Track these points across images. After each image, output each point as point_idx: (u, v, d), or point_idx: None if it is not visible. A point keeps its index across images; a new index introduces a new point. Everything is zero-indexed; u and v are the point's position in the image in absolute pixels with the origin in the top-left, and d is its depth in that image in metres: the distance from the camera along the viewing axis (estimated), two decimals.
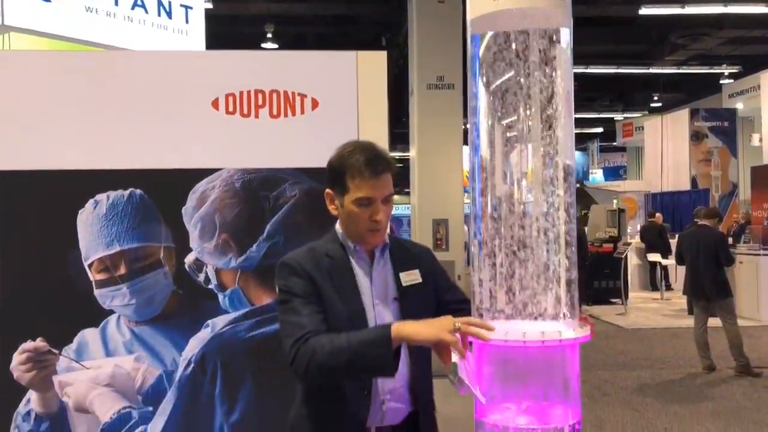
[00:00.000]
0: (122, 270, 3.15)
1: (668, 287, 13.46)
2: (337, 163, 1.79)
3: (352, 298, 1.78)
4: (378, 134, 3.50)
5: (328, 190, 1.84)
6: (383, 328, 1.64)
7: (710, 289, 6.81)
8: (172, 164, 3.16)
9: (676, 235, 14.30)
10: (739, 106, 18.92)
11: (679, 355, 7.79)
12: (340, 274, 1.79)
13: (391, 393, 1.78)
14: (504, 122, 1.67)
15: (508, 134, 1.66)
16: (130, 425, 3.16)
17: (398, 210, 25.12)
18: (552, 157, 1.63)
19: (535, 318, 1.61)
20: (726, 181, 19.30)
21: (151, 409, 3.16)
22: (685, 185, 19.06)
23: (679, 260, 7.31)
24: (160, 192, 3.15)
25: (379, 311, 1.80)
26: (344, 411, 1.76)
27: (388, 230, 1.88)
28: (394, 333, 1.60)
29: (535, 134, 1.63)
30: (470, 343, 1.61)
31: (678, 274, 13.40)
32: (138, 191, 3.15)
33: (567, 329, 1.57)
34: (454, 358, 1.58)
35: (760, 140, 17.67)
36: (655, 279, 13.73)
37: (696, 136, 19.31)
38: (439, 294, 1.95)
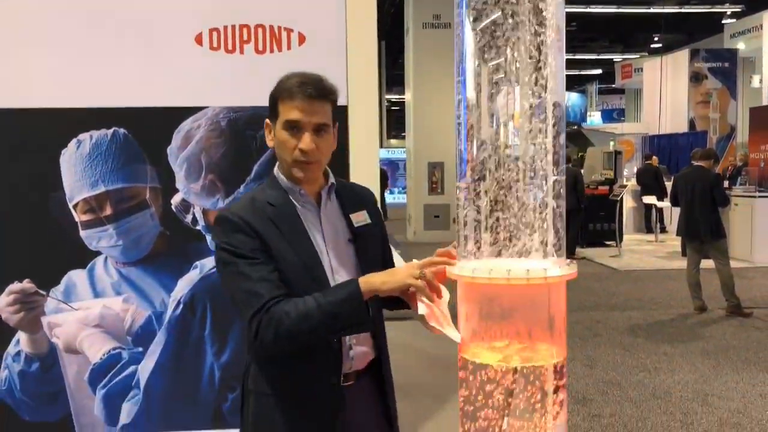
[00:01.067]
0: (108, 211, 3.11)
1: (663, 230, 13.50)
2: (274, 90, 1.70)
3: (304, 246, 1.68)
4: (367, 71, 3.41)
5: (266, 121, 1.73)
6: (351, 284, 1.59)
7: (704, 230, 6.81)
8: (156, 102, 3.08)
9: (672, 177, 14.35)
10: (741, 46, 18.64)
11: (671, 296, 7.85)
12: (286, 221, 1.67)
13: (356, 337, 1.74)
14: (491, 62, 1.59)
15: (495, 75, 1.59)
16: (121, 365, 3.17)
17: (394, 153, 24.98)
18: (540, 95, 1.57)
19: (520, 256, 1.57)
20: (724, 123, 19.19)
21: (141, 349, 3.16)
22: (683, 128, 18.94)
23: (674, 201, 7.29)
24: (145, 131, 3.08)
25: (334, 256, 1.73)
26: (314, 362, 1.69)
27: (330, 173, 1.79)
28: (363, 286, 1.56)
29: (523, 73, 1.57)
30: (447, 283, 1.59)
31: (673, 217, 13.44)
32: (122, 130, 3.07)
33: (553, 267, 1.53)
34: (422, 309, 1.56)
35: (761, 81, 17.48)
36: (650, 221, 13.76)
37: (695, 78, 19.11)
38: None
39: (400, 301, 1.77)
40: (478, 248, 1.59)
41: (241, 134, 3.21)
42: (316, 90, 1.65)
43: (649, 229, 13.76)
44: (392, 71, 23.90)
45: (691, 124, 19.29)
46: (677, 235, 7.54)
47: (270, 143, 1.73)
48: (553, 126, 1.59)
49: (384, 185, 19.43)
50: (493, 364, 1.54)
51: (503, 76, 1.59)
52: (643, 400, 4.50)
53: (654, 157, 13.89)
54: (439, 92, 13.50)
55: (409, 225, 14.26)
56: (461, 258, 1.63)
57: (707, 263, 7.03)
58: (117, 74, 3.04)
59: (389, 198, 19.69)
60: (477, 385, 1.56)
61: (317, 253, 1.70)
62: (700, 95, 19.02)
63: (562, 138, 1.62)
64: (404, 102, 17.35)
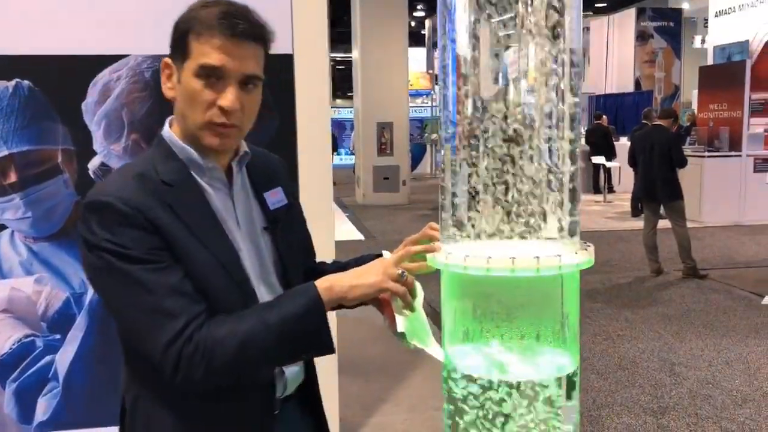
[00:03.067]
0: (12, 177, 2.64)
1: (611, 190, 13.47)
2: (183, 19, 1.25)
3: (218, 238, 1.25)
4: (315, 20, 2.99)
5: (165, 60, 1.27)
6: (307, 294, 1.19)
7: (662, 191, 6.64)
8: (66, 49, 2.60)
9: (622, 138, 14.32)
10: (685, 6, 18.64)
11: (626, 258, 7.72)
12: (190, 207, 1.24)
13: None
14: (497, 18, 1.22)
15: (503, 30, 1.22)
16: (34, 355, 2.73)
17: (340, 114, 24.39)
18: (557, 54, 1.21)
19: (523, 237, 1.23)
20: (669, 82, 19.27)
21: (58, 337, 2.73)
22: (629, 87, 18.94)
23: (632, 162, 7.09)
24: (54, 83, 2.60)
25: (251, 251, 1.33)
26: (241, 398, 1.27)
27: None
28: (324, 295, 1.18)
29: (539, 24, 1.20)
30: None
31: (622, 177, 13.43)
32: (25, 82, 2.59)
33: (568, 252, 1.19)
34: (401, 324, 1.20)
35: (702, 42, 17.55)
36: (598, 182, 13.72)
37: (641, 37, 19.06)
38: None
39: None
40: (473, 227, 1.23)
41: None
42: (248, 27, 1.22)
43: (597, 190, 13.71)
44: (336, 29, 23.21)
45: (637, 83, 19.32)
46: (634, 196, 7.37)
47: (169, 93, 1.28)
48: (571, 81, 1.24)
49: (333, 149, 18.93)
50: (490, 377, 1.21)
51: (513, 30, 1.21)
52: (610, 372, 4.29)
53: (603, 117, 13.79)
54: (388, 50, 13.03)
55: (358, 187, 13.88)
56: (447, 240, 1.28)
57: (661, 224, 6.89)
58: (18, 15, 2.55)
59: (336, 159, 19.17)
60: (468, 403, 1.22)
61: (235, 250, 1.29)
62: (646, 54, 19.00)
63: (579, 95, 1.26)
64: (349, 61, 16.81)
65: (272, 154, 1.53)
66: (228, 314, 1.19)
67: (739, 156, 10.25)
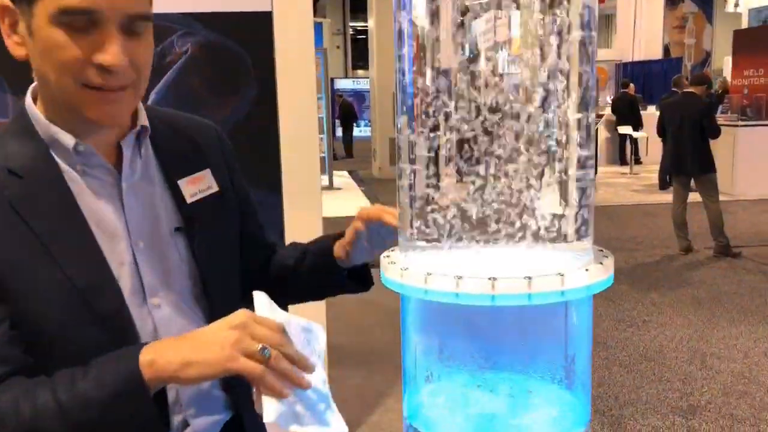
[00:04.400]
0: None
1: (638, 161, 12.94)
2: None
3: (80, 253, 0.92)
4: None
5: (4, 3, 0.92)
6: (127, 366, 0.82)
7: (692, 163, 6.19)
8: None
9: (649, 107, 13.72)
10: None
11: (653, 235, 7.29)
12: (45, 208, 0.92)
13: (197, 403, 1.03)
14: None
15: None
16: None
17: (360, 84, 23.89)
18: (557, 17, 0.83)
19: (517, 241, 0.86)
20: (699, 49, 18.54)
21: None
22: (657, 54, 18.24)
23: (661, 132, 6.62)
24: None
25: (147, 260, 0.99)
26: None
27: (139, 106, 1.02)
28: (147, 372, 0.82)
29: None
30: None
31: (649, 148, 12.88)
32: None
33: (575, 268, 0.83)
34: (269, 413, 0.82)
35: (736, 5, 16.76)
36: (625, 153, 13.19)
37: (671, 1, 18.32)
38: (241, 218, 1.18)
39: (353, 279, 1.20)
40: (443, 227, 0.87)
41: None
42: None
43: (623, 161, 13.19)
44: None
45: (666, 50, 18.62)
46: (662, 169, 6.91)
47: (18, 50, 0.93)
48: (582, 48, 0.86)
49: (352, 118, 18.49)
50: None
51: None
52: (634, 363, 3.92)
53: (631, 85, 13.19)
54: None
55: (374, 160, 13.50)
56: (405, 247, 0.92)
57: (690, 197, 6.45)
58: None
59: (355, 131, 18.73)
60: None
61: (108, 269, 0.94)
62: (675, 19, 18.30)
63: (592, 65, 0.89)
64: (366, 29, 16.32)
65: (204, 120, 1.18)
66: (63, 369, 0.85)
67: None
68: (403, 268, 0.86)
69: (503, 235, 0.85)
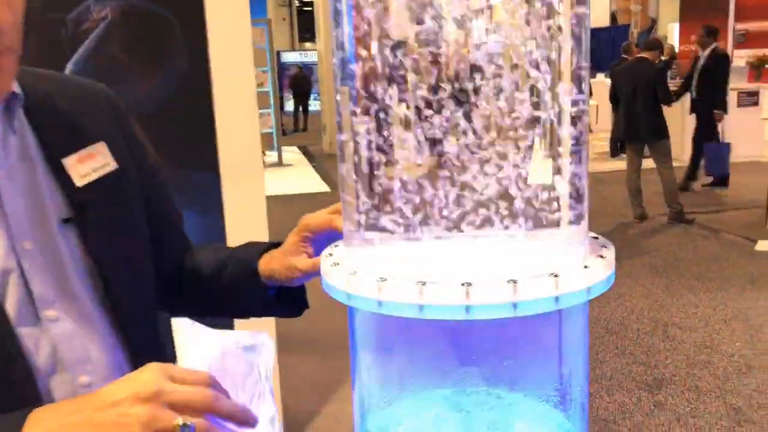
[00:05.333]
0: None
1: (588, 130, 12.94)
2: None
3: None
4: None
5: None
6: None
7: (646, 129, 6.13)
8: None
9: (598, 74, 13.72)
10: None
11: (607, 202, 7.25)
12: None
13: None
14: None
15: None
16: None
17: (306, 57, 23.40)
18: None
19: (496, 228, 0.68)
20: (645, 16, 18.66)
21: None
22: (605, 22, 18.28)
23: (613, 99, 6.54)
24: None
25: (34, 267, 0.78)
26: None
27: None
28: None
29: None
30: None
31: (599, 116, 12.88)
32: None
33: (570, 261, 0.65)
34: None
35: None
36: None
37: None
38: (151, 201, 0.96)
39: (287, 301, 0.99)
40: (397, 223, 0.67)
41: (43, 19, 2.18)
42: None
43: None
44: None
45: (613, 17, 18.69)
46: (613, 136, 6.85)
47: None
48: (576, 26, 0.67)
49: (307, 91, 18.06)
50: None
51: None
52: (596, 337, 3.83)
53: None
54: None
55: (324, 135, 13.23)
56: (353, 242, 0.72)
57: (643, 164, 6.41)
58: None
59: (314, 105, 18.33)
60: None
61: None
62: None
63: (585, 41, 0.70)
64: (313, 2, 15.93)
65: (90, 81, 0.96)
66: None
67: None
68: (351, 272, 0.67)
69: (477, 221, 0.66)
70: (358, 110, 0.67)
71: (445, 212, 0.66)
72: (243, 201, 2.56)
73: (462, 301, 0.61)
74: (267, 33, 9.91)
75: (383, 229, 0.68)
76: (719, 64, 7.27)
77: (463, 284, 0.61)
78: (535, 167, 0.67)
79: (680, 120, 9.61)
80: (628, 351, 3.62)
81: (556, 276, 0.63)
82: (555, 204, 0.67)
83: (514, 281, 0.61)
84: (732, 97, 9.69)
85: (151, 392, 0.63)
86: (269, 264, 0.94)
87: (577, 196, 0.70)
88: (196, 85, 2.34)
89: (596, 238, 0.75)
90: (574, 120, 0.68)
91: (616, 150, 9.63)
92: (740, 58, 10.18)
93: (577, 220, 0.71)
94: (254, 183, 2.53)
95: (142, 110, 2.31)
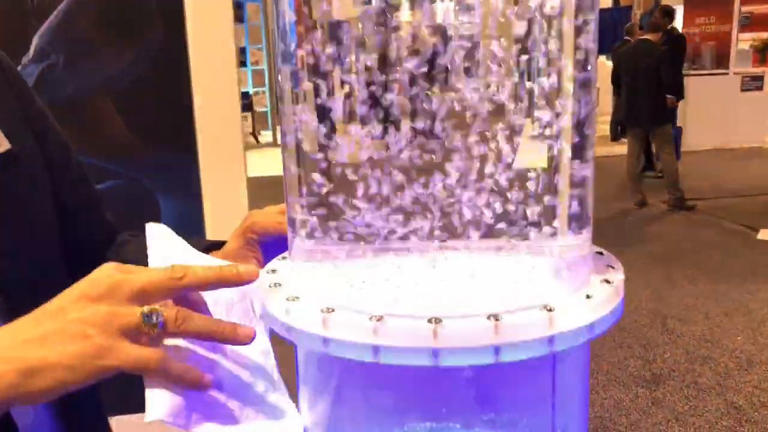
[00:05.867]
0: None
1: None
2: None
3: None
4: None
5: None
6: None
7: (648, 114, 5.97)
8: None
9: (600, 56, 13.51)
10: None
11: (605, 188, 7.10)
12: None
13: None
14: None
15: None
16: None
17: None
18: None
19: (473, 237, 0.54)
20: None
21: None
22: (607, 3, 18.01)
23: (616, 82, 6.38)
24: None
25: None
26: None
27: None
28: None
29: None
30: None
31: (599, 99, 12.70)
32: None
33: (567, 287, 0.51)
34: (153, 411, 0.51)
35: None
36: None
37: None
38: (59, 182, 0.81)
39: None
40: (355, 235, 0.54)
41: None
42: None
43: None
44: None
45: None
46: (614, 119, 6.69)
47: None
48: None
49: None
50: None
51: None
52: None
53: None
54: None
55: None
56: (300, 256, 0.59)
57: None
58: None
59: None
60: None
61: None
62: None
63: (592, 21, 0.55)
64: None
65: None
66: None
67: (726, 74, 9.56)
68: (291, 297, 0.53)
69: (447, 231, 0.52)
70: (302, 92, 0.53)
71: (406, 219, 0.52)
72: (222, 184, 2.42)
73: (428, 343, 0.47)
74: (262, 10, 9.70)
75: (334, 241, 0.54)
76: (675, 47, 6.97)
77: (430, 320, 0.47)
78: (524, 148, 0.53)
79: (682, 104, 9.45)
80: (626, 344, 3.51)
81: (549, 310, 0.49)
82: (549, 204, 0.54)
83: (496, 317, 0.48)
84: (735, 82, 9.52)
85: (103, 289, 0.52)
86: None
87: (579, 194, 0.57)
88: (172, 61, 2.19)
89: (600, 253, 0.62)
90: (581, 89, 0.54)
91: (616, 134, 9.46)
92: (745, 42, 9.97)
93: (578, 227, 0.58)
94: (234, 165, 2.39)
95: (114, 88, 2.17)
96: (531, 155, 0.54)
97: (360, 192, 0.52)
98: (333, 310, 0.50)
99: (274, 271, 0.60)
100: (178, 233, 0.74)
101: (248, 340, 0.54)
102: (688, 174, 7.48)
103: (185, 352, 0.56)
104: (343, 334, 0.49)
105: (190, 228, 2.24)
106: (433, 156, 0.51)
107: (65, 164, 0.84)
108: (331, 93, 0.51)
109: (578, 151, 0.56)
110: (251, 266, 0.58)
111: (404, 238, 0.53)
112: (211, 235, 2.30)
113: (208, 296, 0.59)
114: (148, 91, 2.20)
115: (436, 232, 0.52)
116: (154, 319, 0.52)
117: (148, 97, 2.21)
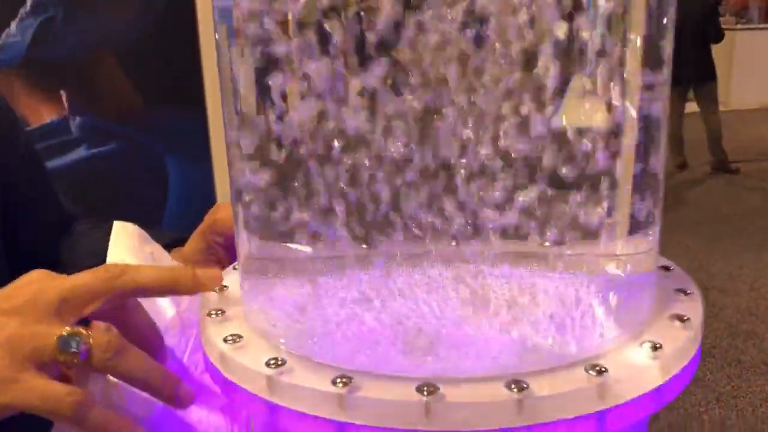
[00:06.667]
0: None
1: None
2: None
3: None
4: None
5: None
6: None
7: (693, 70, 5.65)
8: None
9: None
10: None
11: None
12: None
13: None
14: None
15: None
16: None
17: None
18: None
19: (487, 247, 0.38)
20: None
21: None
22: None
23: None
24: None
25: None
26: None
27: None
28: None
29: None
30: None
31: None
32: None
33: (620, 326, 0.36)
34: None
35: None
36: None
37: None
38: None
39: None
40: (318, 241, 0.38)
41: None
42: None
43: None
44: None
45: None
46: None
47: None
48: None
49: None
50: None
51: None
52: None
53: None
54: None
55: None
56: (251, 276, 0.43)
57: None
58: None
59: None
60: None
61: None
62: None
63: None
64: None
65: None
66: None
67: None
68: (231, 338, 0.38)
69: (446, 238, 0.36)
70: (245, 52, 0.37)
71: (389, 219, 0.36)
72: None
73: (418, 423, 0.32)
74: None
75: (291, 249, 0.39)
76: None
77: (421, 388, 0.32)
78: (570, 105, 0.36)
79: (728, 60, 9.02)
80: None
81: (600, 372, 0.33)
82: (601, 189, 0.37)
83: (519, 384, 0.32)
84: None
85: (21, 300, 0.40)
86: None
87: (646, 176, 0.40)
88: (179, 18, 2.03)
89: (667, 268, 0.46)
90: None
91: None
92: None
93: (644, 225, 0.42)
94: None
95: (118, 47, 2.04)
96: (576, 116, 0.38)
97: (323, 180, 0.36)
98: (282, 363, 0.35)
99: (221, 289, 0.44)
100: (187, 198, 0.59)
101: (185, 405, 0.41)
102: (733, 135, 7.14)
103: (121, 388, 0.42)
104: (294, 402, 0.34)
105: (200, 192, 2.12)
106: (435, 114, 0.35)
107: (12, 141, 0.71)
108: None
109: (647, 108, 0.39)
110: (214, 270, 0.43)
111: (386, 242, 0.37)
112: (221, 199, 2.16)
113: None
114: (154, 50, 2.05)
115: (428, 243, 0.36)
116: (74, 346, 0.38)
117: (154, 56, 2.06)
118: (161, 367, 0.41)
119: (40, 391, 0.38)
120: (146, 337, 0.43)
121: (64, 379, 0.40)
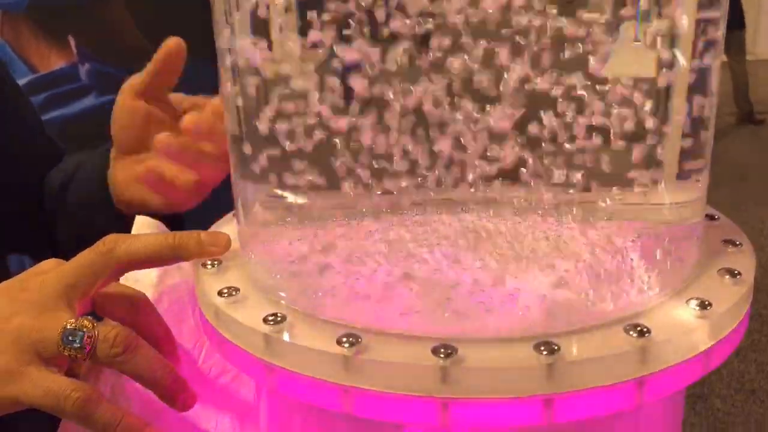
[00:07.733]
0: None
1: None
2: None
3: None
4: None
5: None
6: None
7: None
8: None
9: None
10: None
11: None
12: None
13: None
14: None
15: None
16: None
17: None
18: None
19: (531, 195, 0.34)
20: None
21: None
22: None
23: None
24: None
25: None
26: None
27: None
28: None
29: None
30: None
31: None
32: None
33: (674, 289, 0.32)
34: None
35: None
36: None
37: None
38: None
39: None
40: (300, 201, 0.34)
41: None
42: None
43: None
44: None
45: None
46: None
47: None
48: None
49: None
50: None
51: None
52: None
53: None
54: None
55: None
56: (243, 216, 0.39)
57: None
58: None
59: None
60: None
61: None
62: None
63: None
64: None
65: None
66: None
67: None
68: (227, 291, 0.34)
69: (478, 188, 0.32)
70: None
71: (405, 167, 0.32)
72: None
73: (433, 390, 0.28)
74: None
75: (292, 199, 0.35)
76: None
77: (437, 350, 0.28)
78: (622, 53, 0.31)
79: (756, 8, 8.74)
80: None
81: (642, 333, 0.29)
82: (649, 138, 0.32)
83: (549, 346, 0.28)
84: None
85: (30, 287, 0.39)
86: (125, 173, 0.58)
87: (696, 124, 0.35)
88: None
89: (713, 217, 0.41)
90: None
91: None
92: None
93: (692, 173, 0.37)
94: None
95: None
96: (624, 64, 0.32)
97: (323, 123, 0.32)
98: (282, 319, 0.31)
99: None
100: None
101: (185, 409, 0.38)
102: (759, 86, 6.95)
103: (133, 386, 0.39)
104: (296, 364, 0.30)
105: None
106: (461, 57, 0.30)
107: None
108: None
109: (699, 53, 0.34)
110: (221, 233, 0.39)
111: (410, 185, 0.33)
112: None
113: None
114: None
115: (448, 180, 0.32)
116: (77, 340, 0.35)
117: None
118: (170, 367, 0.38)
119: (44, 385, 0.35)
120: (159, 339, 0.40)
121: (72, 373, 0.38)
